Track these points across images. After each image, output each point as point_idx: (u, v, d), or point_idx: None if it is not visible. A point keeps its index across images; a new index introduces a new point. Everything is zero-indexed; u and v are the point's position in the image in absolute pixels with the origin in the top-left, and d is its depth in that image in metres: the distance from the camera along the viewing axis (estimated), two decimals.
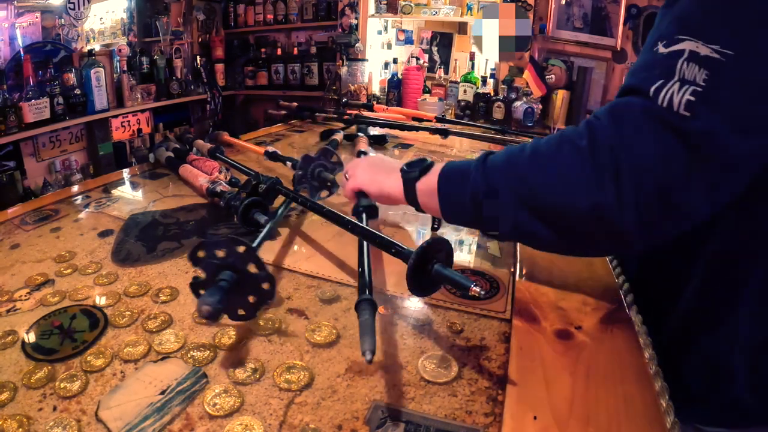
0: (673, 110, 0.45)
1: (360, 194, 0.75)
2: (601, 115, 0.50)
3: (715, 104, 0.44)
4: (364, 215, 0.74)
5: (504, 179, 0.53)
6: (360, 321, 0.47)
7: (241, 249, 0.52)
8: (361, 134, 1.47)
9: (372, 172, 0.72)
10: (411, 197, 0.63)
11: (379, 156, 0.80)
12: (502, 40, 2.48)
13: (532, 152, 0.53)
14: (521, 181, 0.52)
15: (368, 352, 0.43)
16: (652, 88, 0.46)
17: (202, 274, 0.54)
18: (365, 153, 1.14)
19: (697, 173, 0.45)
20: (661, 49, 0.48)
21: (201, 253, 0.53)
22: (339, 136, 1.50)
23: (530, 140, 0.56)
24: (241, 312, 0.54)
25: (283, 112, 2.05)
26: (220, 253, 0.53)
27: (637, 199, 0.46)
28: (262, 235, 0.68)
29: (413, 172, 0.63)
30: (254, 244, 0.64)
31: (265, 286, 0.53)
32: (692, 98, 0.44)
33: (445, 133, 1.56)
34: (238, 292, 0.53)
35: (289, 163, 1.07)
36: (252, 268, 0.53)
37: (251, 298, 0.54)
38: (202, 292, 0.54)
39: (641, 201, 0.46)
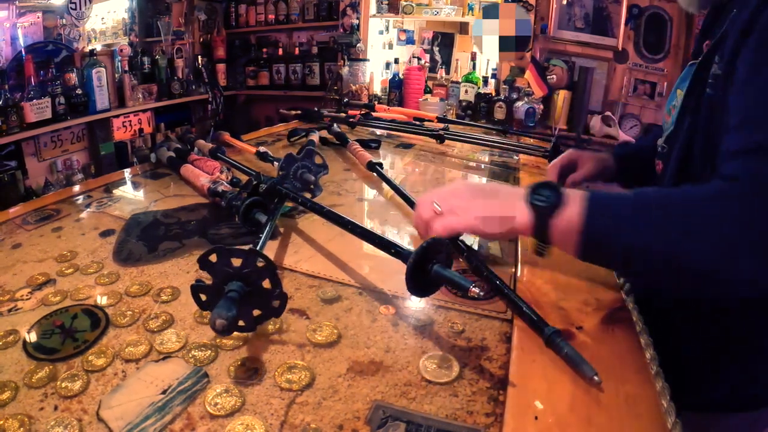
0: None
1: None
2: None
3: None
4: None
5: (658, 238, 0.50)
6: (565, 355, 0.50)
7: (261, 263, 0.51)
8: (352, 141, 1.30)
9: (483, 207, 0.59)
10: (542, 233, 0.56)
11: (469, 183, 0.69)
12: (503, 40, 2.47)
13: (690, 210, 0.50)
14: (676, 243, 0.49)
15: (596, 376, 0.47)
16: None
17: (204, 278, 0.53)
18: (380, 164, 1.06)
19: None
20: None
21: (213, 258, 0.52)
22: (315, 137, 1.41)
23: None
24: (240, 323, 0.52)
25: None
26: (236, 263, 0.51)
27: None
28: (263, 237, 0.68)
29: (545, 205, 0.55)
30: (257, 247, 0.64)
31: (275, 303, 0.52)
32: None
33: (441, 138, 1.50)
34: (244, 303, 0.51)
35: (276, 163, 1.06)
36: (266, 284, 0.52)
37: (255, 312, 0.52)
38: (202, 296, 0.53)
39: None
